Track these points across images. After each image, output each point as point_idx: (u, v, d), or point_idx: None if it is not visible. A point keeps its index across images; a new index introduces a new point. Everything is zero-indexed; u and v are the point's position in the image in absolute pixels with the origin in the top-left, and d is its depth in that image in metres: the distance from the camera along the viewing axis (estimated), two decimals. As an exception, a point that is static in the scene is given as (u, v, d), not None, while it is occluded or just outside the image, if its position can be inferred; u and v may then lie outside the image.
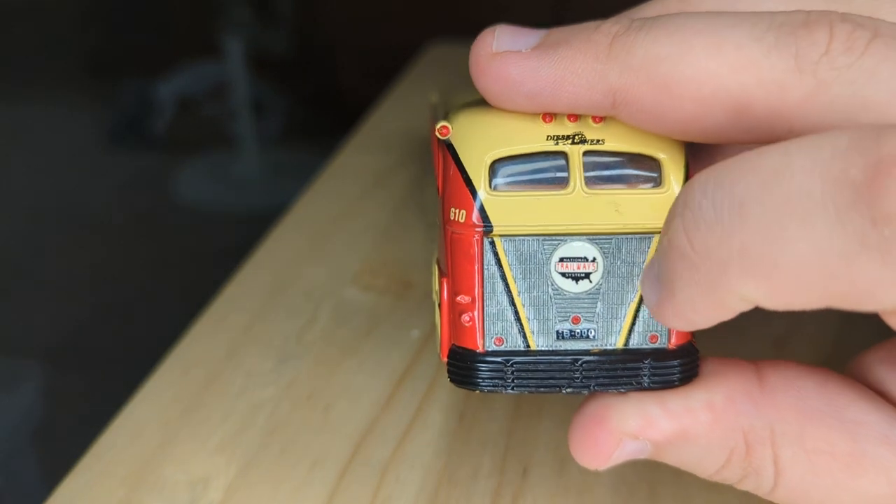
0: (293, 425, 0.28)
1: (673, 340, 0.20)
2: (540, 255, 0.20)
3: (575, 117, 0.20)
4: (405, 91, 0.52)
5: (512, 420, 0.28)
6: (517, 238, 0.20)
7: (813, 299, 0.16)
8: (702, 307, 0.17)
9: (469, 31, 0.20)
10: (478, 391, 0.20)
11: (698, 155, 0.21)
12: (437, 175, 0.21)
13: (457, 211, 0.20)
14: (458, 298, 0.20)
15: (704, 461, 0.19)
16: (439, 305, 0.21)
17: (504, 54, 0.19)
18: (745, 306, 0.16)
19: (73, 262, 0.82)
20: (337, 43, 1.03)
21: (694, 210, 0.16)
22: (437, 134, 0.20)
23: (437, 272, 0.21)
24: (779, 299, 0.16)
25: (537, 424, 0.28)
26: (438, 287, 0.21)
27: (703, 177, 0.16)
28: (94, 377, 0.64)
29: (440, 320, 0.21)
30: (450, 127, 0.20)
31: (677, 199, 0.17)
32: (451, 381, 0.20)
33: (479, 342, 0.20)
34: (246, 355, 0.31)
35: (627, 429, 0.19)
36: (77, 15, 1.04)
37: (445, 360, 0.20)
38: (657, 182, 0.20)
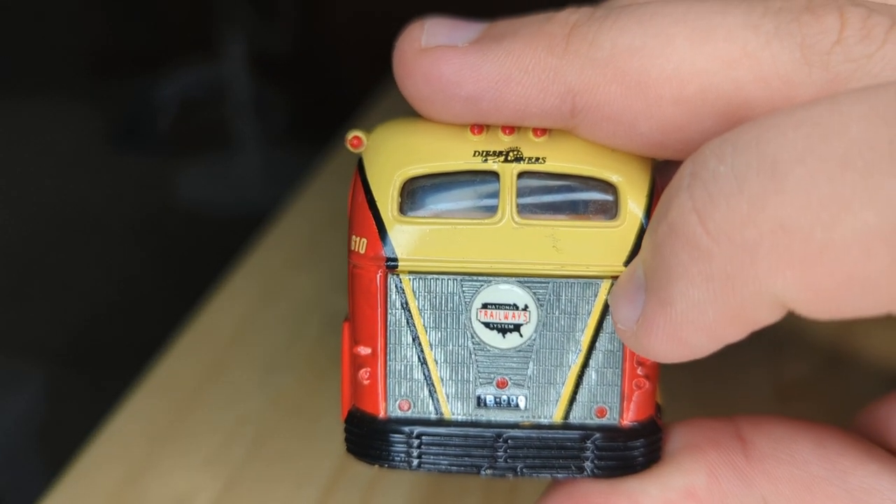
0: (280, 439, 0.27)
1: (629, 416, 0.16)
2: (458, 300, 0.16)
3: (511, 129, 0.16)
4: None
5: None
6: (430, 277, 0.16)
7: (879, 297, 0.12)
8: (712, 318, 0.13)
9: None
10: (376, 466, 0.17)
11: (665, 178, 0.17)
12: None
13: (358, 239, 0.16)
14: (358, 349, 0.17)
15: None
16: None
17: (436, 49, 0.16)
18: (774, 315, 0.13)
19: (73, 262, 0.82)
20: (338, 43, 1.02)
21: (707, 180, 0.13)
22: (347, 145, 0.17)
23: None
24: (829, 299, 0.12)
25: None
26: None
27: (716, 141, 0.13)
28: (95, 377, 0.64)
29: (342, 373, 0.17)
30: (363, 138, 0.17)
31: (681, 170, 0.13)
32: (348, 451, 0.17)
33: (381, 406, 0.16)
34: (233, 367, 0.30)
35: None
36: (77, 15, 1.04)
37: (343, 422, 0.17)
38: (610, 212, 0.16)
